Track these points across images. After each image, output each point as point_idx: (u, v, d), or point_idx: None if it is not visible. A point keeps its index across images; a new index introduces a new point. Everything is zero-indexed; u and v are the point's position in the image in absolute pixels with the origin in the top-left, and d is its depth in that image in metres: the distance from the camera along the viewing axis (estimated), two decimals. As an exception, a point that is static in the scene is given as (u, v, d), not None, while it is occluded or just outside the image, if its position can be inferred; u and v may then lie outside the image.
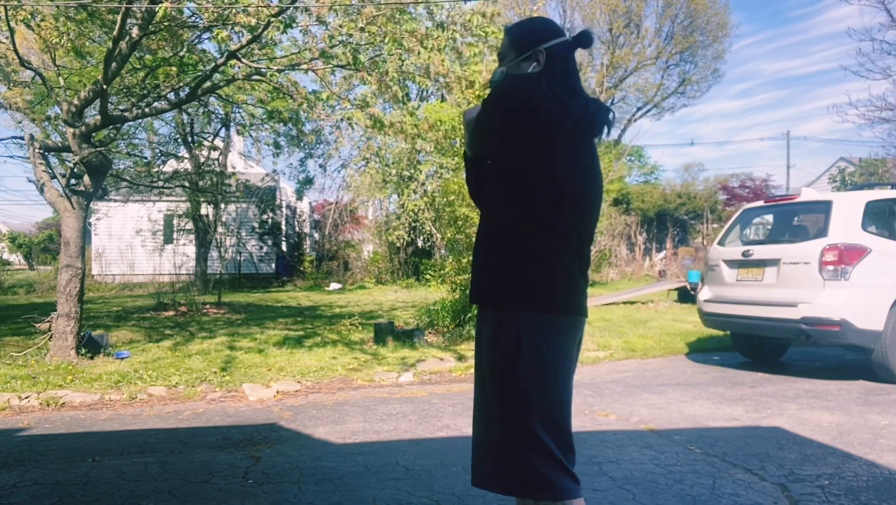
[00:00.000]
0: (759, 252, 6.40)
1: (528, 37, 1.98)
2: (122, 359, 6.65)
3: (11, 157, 37.31)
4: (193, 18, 6.98)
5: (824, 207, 6.10)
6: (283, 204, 23.42)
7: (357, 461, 3.63)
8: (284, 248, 22.87)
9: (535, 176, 1.83)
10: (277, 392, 5.48)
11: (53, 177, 7.07)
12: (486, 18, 6.34)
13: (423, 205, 18.09)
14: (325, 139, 16.56)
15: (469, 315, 8.31)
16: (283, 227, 23.09)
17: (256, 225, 21.60)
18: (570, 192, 1.85)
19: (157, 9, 5.63)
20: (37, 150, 6.91)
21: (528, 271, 1.84)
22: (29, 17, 6.01)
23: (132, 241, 20.59)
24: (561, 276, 1.85)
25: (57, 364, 6.17)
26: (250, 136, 15.50)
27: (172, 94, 8.27)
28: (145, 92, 8.08)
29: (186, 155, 17.01)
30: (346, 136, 16.00)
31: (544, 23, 2.05)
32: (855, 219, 5.88)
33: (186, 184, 16.58)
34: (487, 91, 2.08)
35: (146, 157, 15.55)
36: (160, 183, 16.11)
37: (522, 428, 1.79)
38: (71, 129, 6.56)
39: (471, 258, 8.55)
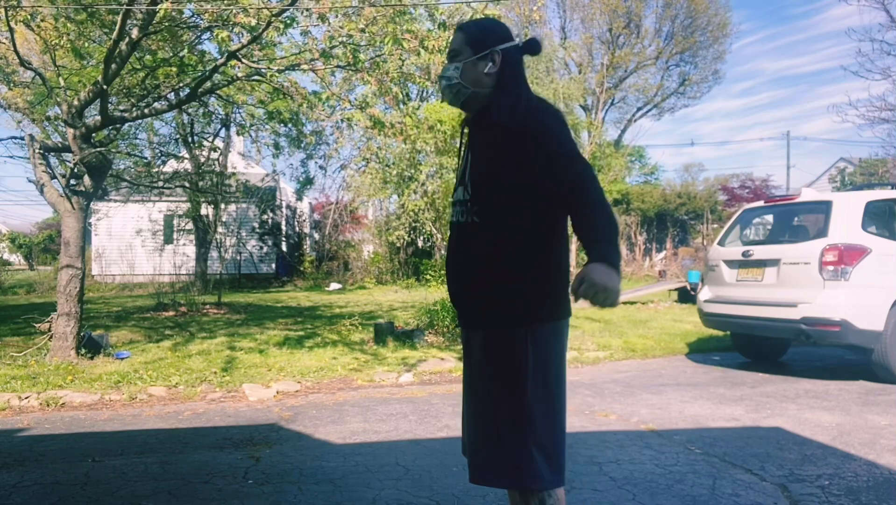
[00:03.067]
0: (760, 252, 6.40)
1: (485, 36, 1.99)
2: (122, 359, 6.65)
3: (11, 157, 37.36)
4: (193, 19, 6.98)
5: (824, 208, 6.09)
6: (283, 204, 23.41)
7: (357, 461, 3.63)
8: (284, 248, 22.85)
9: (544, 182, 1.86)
10: (277, 392, 5.48)
11: (53, 177, 7.06)
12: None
13: (424, 205, 18.07)
14: (326, 140, 16.57)
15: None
16: (283, 227, 23.09)
17: (256, 225, 21.59)
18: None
19: (157, 9, 5.63)
20: (37, 151, 6.91)
21: (547, 279, 1.88)
22: (29, 17, 6.01)
23: (132, 241, 20.59)
24: (566, 276, 1.92)
25: (57, 364, 6.17)
26: (250, 136, 15.52)
27: (172, 94, 8.28)
28: (145, 92, 8.08)
29: (186, 155, 17.01)
30: (346, 136, 16.01)
31: (499, 24, 2.08)
32: (855, 219, 5.87)
33: (186, 184, 16.59)
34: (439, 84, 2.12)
35: (146, 158, 15.56)
36: (160, 183, 16.12)
37: (529, 430, 1.85)
38: (71, 130, 6.56)
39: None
